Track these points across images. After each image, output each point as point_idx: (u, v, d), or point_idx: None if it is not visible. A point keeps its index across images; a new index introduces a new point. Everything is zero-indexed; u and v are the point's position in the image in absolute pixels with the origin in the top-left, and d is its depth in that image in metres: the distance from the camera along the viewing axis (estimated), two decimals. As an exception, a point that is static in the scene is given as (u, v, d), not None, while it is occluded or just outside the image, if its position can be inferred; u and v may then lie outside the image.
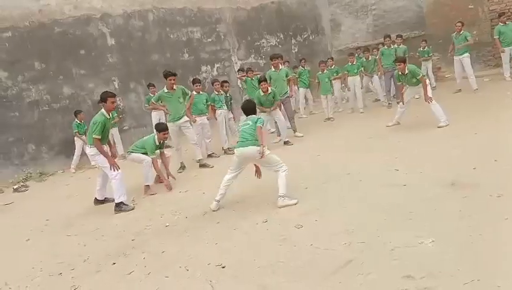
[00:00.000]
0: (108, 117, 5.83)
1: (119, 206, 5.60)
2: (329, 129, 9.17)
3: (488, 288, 2.54)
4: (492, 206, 3.71)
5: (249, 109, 5.12)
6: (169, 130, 6.70)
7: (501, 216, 3.45)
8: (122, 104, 10.42)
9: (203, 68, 11.71)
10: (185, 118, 7.34)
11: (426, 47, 11.41)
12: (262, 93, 7.94)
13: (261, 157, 4.72)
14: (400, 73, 7.59)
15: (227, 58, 12.31)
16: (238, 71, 10.23)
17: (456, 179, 4.44)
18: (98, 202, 6.20)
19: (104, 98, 5.78)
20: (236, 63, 12.34)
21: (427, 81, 7.66)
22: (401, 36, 10.72)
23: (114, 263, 4.02)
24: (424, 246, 3.21)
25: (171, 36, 11.25)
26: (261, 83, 7.98)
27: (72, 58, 9.68)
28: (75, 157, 9.33)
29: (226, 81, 9.01)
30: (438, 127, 7.06)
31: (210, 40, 11.94)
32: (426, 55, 11.41)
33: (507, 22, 10.13)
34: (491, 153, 5.09)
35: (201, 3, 11.79)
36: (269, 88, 7.96)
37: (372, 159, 5.90)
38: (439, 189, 4.30)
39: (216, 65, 11.99)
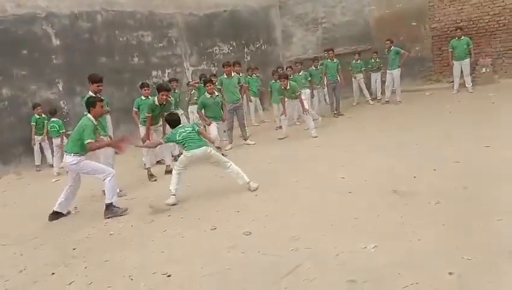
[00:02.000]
0: (95, 123, 5.35)
1: (110, 209, 5.20)
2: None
3: (426, 290, 2.66)
4: (431, 213, 3.90)
5: (173, 120, 5.63)
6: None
7: (439, 222, 3.64)
8: (66, 108, 9.97)
9: (154, 73, 11.48)
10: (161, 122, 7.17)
11: (377, 59, 11.92)
12: (208, 96, 7.93)
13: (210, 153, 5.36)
14: (283, 88, 8.63)
15: (179, 63, 12.14)
16: (200, 79, 9.94)
17: (398, 188, 4.63)
18: (55, 216, 5.42)
19: (93, 102, 5.35)
20: (188, 69, 12.22)
21: (303, 96, 8.99)
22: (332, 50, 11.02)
23: (53, 273, 3.80)
24: (367, 251, 3.31)
25: (121, 39, 10.94)
26: (207, 84, 8.02)
27: (12, 58, 9.15)
28: (55, 158, 8.76)
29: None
30: (312, 137, 8.45)
31: (161, 44, 11.73)
32: (375, 66, 11.93)
33: (461, 37, 10.79)
34: (430, 163, 5.37)
35: (152, 7, 11.57)
36: (215, 91, 8.05)
37: (319, 168, 6.03)
38: (382, 197, 4.46)
39: (167, 70, 11.79)
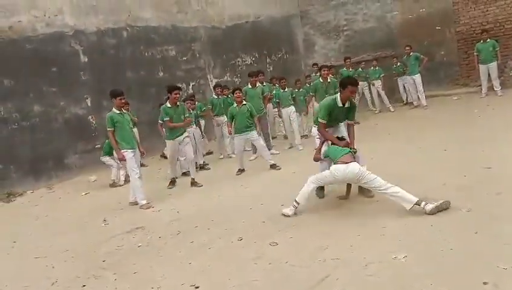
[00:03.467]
0: (119, 112, 6.21)
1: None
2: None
3: (459, 301, 2.58)
4: (462, 220, 3.79)
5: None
6: (169, 146, 7.11)
7: (471, 230, 3.53)
8: (95, 122, 10.23)
9: (178, 86, 11.65)
10: (186, 134, 7.22)
11: (398, 63, 11.75)
12: (235, 105, 7.65)
13: None
14: None
15: (203, 76, 12.31)
16: (215, 88, 9.96)
17: (426, 195, 4.52)
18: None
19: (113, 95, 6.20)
20: (211, 81, 12.36)
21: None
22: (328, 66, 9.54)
23: (84, 286, 3.88)
24: (397, 261, 3.24)
25: (146, 54, 11.19)
26: (235, 92, 7.76)
27: (42, 76, 9.47)
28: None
29: (192, 98, 9.02)
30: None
31: (185, 58, 11.93)
32: (399, 71, 11.77)
33: (487, 40, 10.57)
34: (460, 168, 5.23)
35: (175, 22, 11.80)
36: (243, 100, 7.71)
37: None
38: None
39: (191, 83, 11.96)
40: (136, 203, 6.32)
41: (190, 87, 11.85)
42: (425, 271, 3.00)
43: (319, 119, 4.99)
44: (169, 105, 6.98)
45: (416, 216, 4.03)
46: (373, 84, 11.87)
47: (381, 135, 8.81)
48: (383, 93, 11.84)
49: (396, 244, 3.51)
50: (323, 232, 4.09)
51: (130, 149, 6.23)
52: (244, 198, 5.79)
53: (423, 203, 4.06)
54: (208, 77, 12.39)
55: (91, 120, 10.19)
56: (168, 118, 6.90)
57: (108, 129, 6.23)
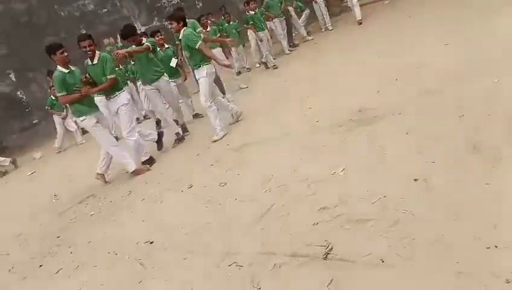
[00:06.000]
0: (67, 71, 4.92)
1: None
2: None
3: (393, 203, 2.71)
4: (395, 124, 3.91)
5: None
6: None
7: (402, 132, 3.66)
8: (25, 97, 9.63)
9: (106, 41, 11.00)
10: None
11: None
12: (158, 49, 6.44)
13: None
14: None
15: (129, 26, 11.64)
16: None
17: (362, 106, 4.61)
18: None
19: (50, 52, 4.88)
20: (140, 29, 11.71)
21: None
22: None
23: (41, 265, 3.84)
24: (337, 176, 3.35)
25: (62, 13, 10.37)
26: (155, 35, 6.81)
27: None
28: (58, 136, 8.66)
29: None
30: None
31: (105, 10, 11.16)
32: None
33: None
34: (392, 73, 5.31)
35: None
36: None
37: (290, 104, 5.97)
38: (348, 119, 4.44)
39: (118, 35, 11.31)
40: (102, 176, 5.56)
41: (119, 40, 11.21)
42: (362, 181, 3.12)
43: None
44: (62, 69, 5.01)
45: (353, 130, 4.13)
46: (315, 2, 11.42)
47: (320, 53, 8.80)
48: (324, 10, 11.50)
49: (335, 160, 3.60)
50: (267, 162, 4.14)
51: (93, 114, 5.19)
52: (188, 146, 5.73)
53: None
54: (135, 25, 11.72)
55: (20, 95, 9.59)
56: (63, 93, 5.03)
57: (59, 95, 5.14)
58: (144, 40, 6.12)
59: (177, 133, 6.06)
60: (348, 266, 2.30)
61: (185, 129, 6.45)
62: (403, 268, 2.13)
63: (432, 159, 3.04)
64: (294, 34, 11.15)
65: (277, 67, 9.12)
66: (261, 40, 9.50)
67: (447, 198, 2.55)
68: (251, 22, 9.54)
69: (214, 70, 5.61)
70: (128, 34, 5.77)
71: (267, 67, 9.43)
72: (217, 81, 6.53)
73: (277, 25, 10.08)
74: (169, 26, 6.51)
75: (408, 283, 2.03)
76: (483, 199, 2.41)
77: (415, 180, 2.86)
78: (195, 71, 5.58)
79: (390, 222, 2.52)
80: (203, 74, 5.40)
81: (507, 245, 2.02)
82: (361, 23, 10.33)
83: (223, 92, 7.19)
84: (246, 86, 8.30)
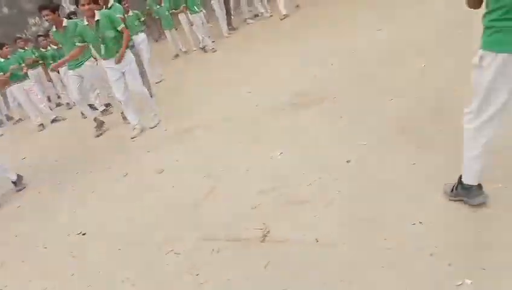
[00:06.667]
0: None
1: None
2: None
3: (328, 183, 2.79)
4: (329, 109, 3.99)
5: None
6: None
7: (336, 116, 3.75)
8: None
9: (31, 21, 10.23)
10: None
11: None
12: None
13: None
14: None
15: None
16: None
17: (300, 90, 4.68)
18: None
19: None
20: (69, 8, 11.01)
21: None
22: None
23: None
24: (274, 159, 3.38)
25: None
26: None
27: None
28: None
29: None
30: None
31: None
32: None
33: None
34: (328, 59, 5.41)
35: None
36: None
37: (224, 87, 5.92)
38: (283, 105, 4.45)
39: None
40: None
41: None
42: (298, 163, 3.17)
43: None
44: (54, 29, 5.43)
45: (290, 114, 4.18)
46: None
47: (258, 41, 8.78)
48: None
49: (273, 144, 3.63)
50: (206, 148, 4.09)
51: None
52: (124, 132, 5.52)
53: None
54: (64, 4, 11.00)
55: None
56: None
57: None
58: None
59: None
60: (285, 248, 2.33)
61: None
62: (337, 247, 2.20)
63: (364, 141, 3.16)
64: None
65: (215, 51, 8.98)
66: (192, 25, 9.26)
67: (376, 178, 2.66)
68: (183, 5, 9.17)
69: None
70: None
71: (205, 52, 9.23)
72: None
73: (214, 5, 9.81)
74: None
75: (342, 261, 2.10)
76: (410, 178, 2.54)
77: (348, 161, 2.96)
78: None
79: (325, 202, 2.59)
80: None
81: (431, 221, 2.15)
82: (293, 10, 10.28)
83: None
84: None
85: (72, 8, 10.64)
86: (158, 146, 4.59)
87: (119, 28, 4.78)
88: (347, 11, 7.90)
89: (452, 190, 2.20)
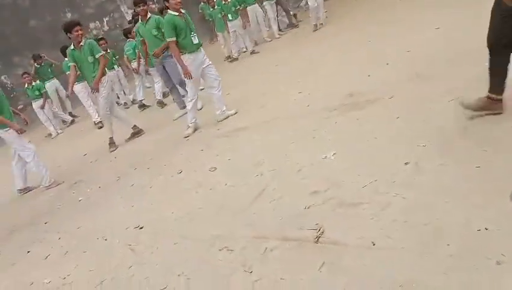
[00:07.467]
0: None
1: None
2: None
3: (384, 186, 2.71)
4: (386, 108, 3.89)
5: None
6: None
7: (394, 116, 3.65)
8: (9, 82, 9.41)
9: (92, 25, 10.77)
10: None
11: None
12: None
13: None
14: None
15: (116, 9, 11.38)
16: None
17: (353, 90, 4.59)
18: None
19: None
20: (127, 13, 11.47)
21: None
22: None
23: (28, 251, 3.79)
24: (328, 160, 3.33)
25: (47, -4, 10.10)
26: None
27: None
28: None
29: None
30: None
31: (92, -8, 10.92)
32: None
33: None
34: (383, 57, 5.29)
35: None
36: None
37: (279, 88, 5.92)
38: (339, 103, 4.42)
39: (105, 19, 11.07)
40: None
41: (105, 23, 10.98)
42: (353, 164, 3.11)
43: None
44: (72, 47, 5.60)
45: (344, 114, 4.11)
46: None
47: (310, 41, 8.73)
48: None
49: (326, 144, 3.59)
50: (258, 148, 4.11)
51: None
52: (176, 132, 5.67)
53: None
54: (122, 9, 11.47)
55: (5, 80, 9.37)
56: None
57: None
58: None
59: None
60: (340, 250, 2.29)
61: None
62: (394, 251, 2.14)
63: (423, 142, 3.04)
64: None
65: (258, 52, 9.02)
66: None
67: (437, 181, 2.55)
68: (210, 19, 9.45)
69: None
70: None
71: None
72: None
73: (268, 9, 9.89)
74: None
75: (399, 266, 2.03)
76: (473, 181, 2.41)
77: (406, 163, 2.86)
78: None
79: (382, 205, 2.51)
80: None
81: (498, 227, 2.03)
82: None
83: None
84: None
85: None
86: (211, 145, 4.68)
87: None
88: (403, 9, 7.67)
89: (521, 196, 2.07)
